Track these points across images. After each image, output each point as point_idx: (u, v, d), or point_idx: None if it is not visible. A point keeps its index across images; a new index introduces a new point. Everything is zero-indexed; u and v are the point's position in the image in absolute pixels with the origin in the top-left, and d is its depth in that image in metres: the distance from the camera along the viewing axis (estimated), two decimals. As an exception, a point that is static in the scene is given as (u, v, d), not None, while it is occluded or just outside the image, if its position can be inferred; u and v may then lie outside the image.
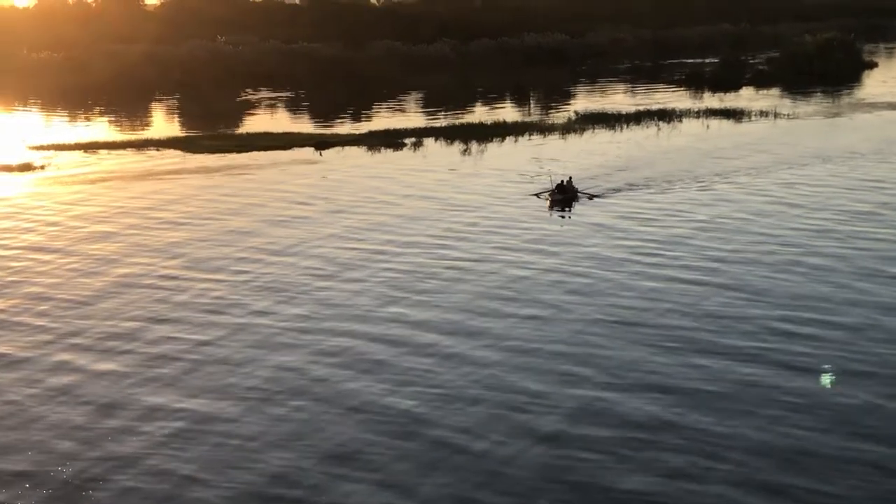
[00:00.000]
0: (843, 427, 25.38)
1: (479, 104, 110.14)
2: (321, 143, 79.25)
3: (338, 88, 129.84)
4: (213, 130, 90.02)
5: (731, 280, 38.08)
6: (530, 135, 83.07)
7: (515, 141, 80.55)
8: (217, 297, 37.25)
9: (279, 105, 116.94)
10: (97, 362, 30.84)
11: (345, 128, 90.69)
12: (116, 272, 40.85)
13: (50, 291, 38.30)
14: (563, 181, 53.65)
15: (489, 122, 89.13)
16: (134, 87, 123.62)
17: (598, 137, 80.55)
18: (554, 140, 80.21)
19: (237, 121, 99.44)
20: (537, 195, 54.24)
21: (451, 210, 52.21)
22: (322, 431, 25.81)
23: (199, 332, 33.45)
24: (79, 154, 74.64)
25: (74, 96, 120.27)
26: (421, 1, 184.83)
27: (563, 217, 50.78)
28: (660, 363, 29.80)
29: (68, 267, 41.67)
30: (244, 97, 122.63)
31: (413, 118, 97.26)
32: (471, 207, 52.68)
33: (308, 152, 76.18)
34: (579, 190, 54.03)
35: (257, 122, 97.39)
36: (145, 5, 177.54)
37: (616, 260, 41.31)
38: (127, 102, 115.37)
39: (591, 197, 53.35)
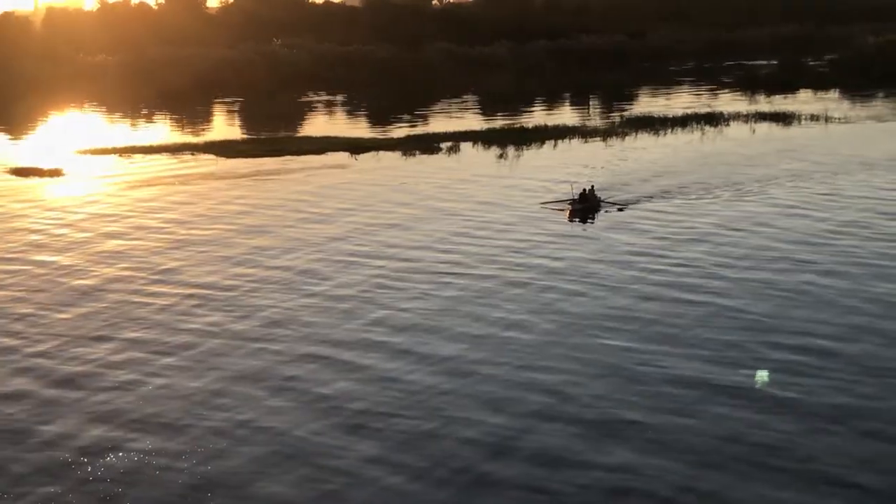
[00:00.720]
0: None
1: (530, 107, 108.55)
2: (357, 147, 78.45)
3: (392, 91, 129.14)
4: (258, 134, 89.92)
5: (751, 300, 36.20)
6: (570, 139, 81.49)
7: (554, 145, 78.98)
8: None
9: (333, 108, 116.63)
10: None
11: (397, 131, 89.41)
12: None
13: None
14: (584, 189, 51.39)
15: (530, 126, 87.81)
16: (189, 91, 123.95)
17: (639, 142, 78.57)
18: (593, 145, 78.59)
19: (285, 124, 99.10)
20: (545, 204, 52.19)
21: (450, 218, 50.78)
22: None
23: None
24: (113, 158, 74.75)
25: (127, 100, 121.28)
26: (480, 2, 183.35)
27: (579, 227, 48.94)
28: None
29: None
30: (298, 100, 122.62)
31: (463, 121, 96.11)
32: (473, 216, 51.03)
33: (343, 157, 75.40)
34: (603, 199, 51.87)
35: (307, 126, 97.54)
36: (207, 9, 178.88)
37: (623, 273, 39.72)
38: (180, 106, 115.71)
39: (621, 208, 51.00)
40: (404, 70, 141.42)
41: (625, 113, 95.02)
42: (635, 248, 43.29)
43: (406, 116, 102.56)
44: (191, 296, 37.94)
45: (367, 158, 74.61)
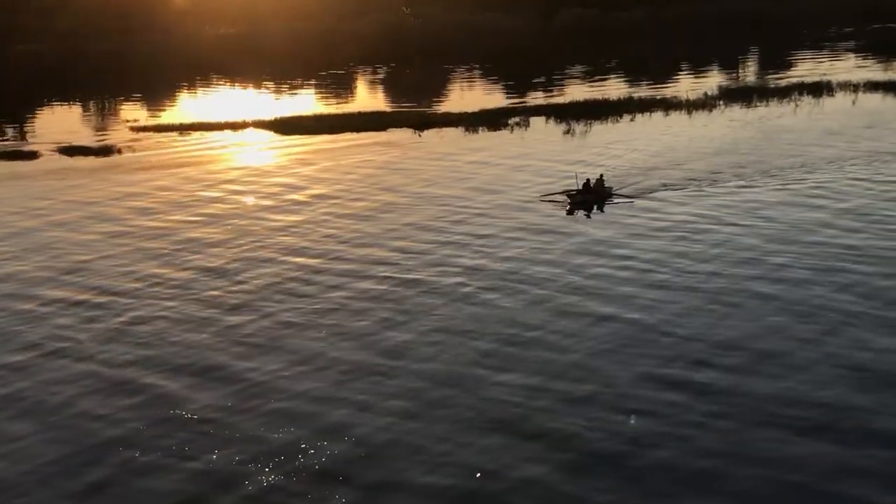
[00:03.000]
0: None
1: (645, 76, 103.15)
2: (421, 123, 75.26)
3: (516, 62, 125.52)
4: (352, 108, 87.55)
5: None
6: (651, 112, 76.15)
7: (632, 119, 73.78)
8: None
9: (450, 80, 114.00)
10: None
11: (492, 102, 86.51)
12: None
13: None
14: (588, 179, 45.53)
15: (613, 99, 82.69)
16: (303, 64, 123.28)
17: (721, 116, 72.71)
18: (673, 119, 73.10)
19: (382, 98, 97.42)
20: (545, 196, 46.54)
21: (446, 207, 46.74)
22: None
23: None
24: (173, 135, 73.83)
25: (243, 71, 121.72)
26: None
27: (570, 220, 42.84)
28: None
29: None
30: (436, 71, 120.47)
31: (559, 92, 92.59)
32: (451, 203, 46.78)
33: (407, 133, 72.41)
34: (614, 190, 46.20)
35: (404, 98, 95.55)
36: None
37: (611, 276, 35.00)
38: (291, 76, 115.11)
39: (630, 199, 45.16)
40: (532, 39, 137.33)
41: (725, 83, 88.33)
42: (608, 246, 38.12)
43: (519, 88, 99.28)
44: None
45: (429, 135, 71.38)
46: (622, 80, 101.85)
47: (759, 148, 57.57)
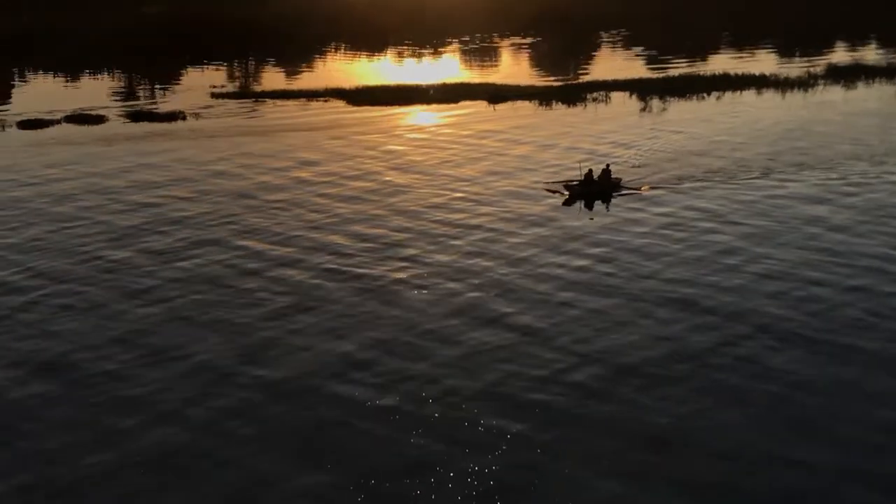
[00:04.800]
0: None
1: (770, 47, 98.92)
2: (495, 96, 72.84)
3: (664, 29, 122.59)
4: (434, 80, 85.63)
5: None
6: (743, 90, 72.24)
7: (719, 97, 69.89)
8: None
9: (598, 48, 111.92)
10: None
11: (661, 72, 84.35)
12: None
13: None
14: (591, 171, 41.96)
15: (708, 75, 78.83)
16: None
17: (814, 96, 68.41)
18: (763, 97, 69.17)
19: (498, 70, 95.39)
20: (548, 184, 43.26)
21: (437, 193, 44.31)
22: None
23: None
24: (233, 105, 73.38)
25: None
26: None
27: (561, 213, 39.06)
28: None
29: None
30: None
31: (675, 64, 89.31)
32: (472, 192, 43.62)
33: (480, 105, 70.30)
34: (622, 182, 42.59)
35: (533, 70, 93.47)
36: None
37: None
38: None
39: (637, 191, 41.68)
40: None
41: (838, 61, 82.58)
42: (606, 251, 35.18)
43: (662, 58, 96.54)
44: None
45: (504, 108, 68.96)
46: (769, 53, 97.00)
47: (828, 135, 53.21)
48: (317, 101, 74.29)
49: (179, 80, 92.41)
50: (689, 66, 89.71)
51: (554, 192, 41.89)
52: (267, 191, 43.97)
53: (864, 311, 26.96)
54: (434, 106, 70.22)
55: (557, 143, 54.02)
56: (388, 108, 69.83)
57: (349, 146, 54.86)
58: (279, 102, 73.71)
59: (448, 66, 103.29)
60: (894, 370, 23.37)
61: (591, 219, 38.15)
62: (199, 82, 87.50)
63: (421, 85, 79.50)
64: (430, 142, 55.65)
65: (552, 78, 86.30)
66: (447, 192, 42.61)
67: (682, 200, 39.95)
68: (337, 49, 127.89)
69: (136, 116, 67.38)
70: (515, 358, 24.57)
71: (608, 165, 42.95)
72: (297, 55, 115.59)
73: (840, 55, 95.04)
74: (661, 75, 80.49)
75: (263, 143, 56.20)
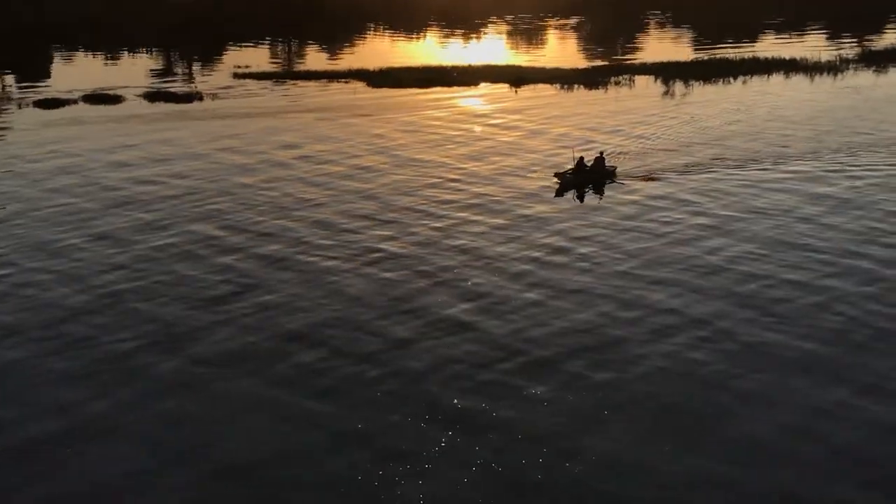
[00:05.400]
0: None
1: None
2: (518, 79, 71.81)
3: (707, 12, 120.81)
4: (449, 62, 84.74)
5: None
6: (771, 75, 70.94)
7: (745, 82, 68.43)
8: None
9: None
10: None
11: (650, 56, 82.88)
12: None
13: None
14: (582, 158, 40.58)
15: (735, 59, 77.67)
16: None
17: (842, 81, 66.28)
18: (790, 82, 67.69)
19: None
20: (536, 173, 42.05)
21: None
22: None
23: None
24: (254, 85, 73.09)
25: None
26: None
27: (545, 204, 37.43)
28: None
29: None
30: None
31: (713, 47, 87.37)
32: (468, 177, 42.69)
33: (503, 89, 69.36)
34: (616, 170, 41.25)
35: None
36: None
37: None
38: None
39: (632, 180, 40.35)
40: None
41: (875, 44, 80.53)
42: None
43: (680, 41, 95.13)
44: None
45: (525, 91, 67.95)
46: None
47: (843, 122, 51.68)
48: (338, 82, 73.79)
49: (219, 59, 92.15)
50: (734, 48, 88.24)
51: (552, 180, 40.40)
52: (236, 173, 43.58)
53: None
54: (454, 89, 69.29)
55: (562, 127, 52.92)
56: (405, 90, 68.94)
57: (337, 129, 54.09)
58: (300, 83, 73.29)
59: (481, 48, 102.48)
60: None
61: (579, 208, 37.06)
62: (236, 61, 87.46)
63: (445, 67, 78.50)
64: (420, 126, 54.59)
65: (587, 60, 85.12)
66: (433, 179, 41.51)
67: (681, 190, 38.67)
68: (376, 30, 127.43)
69: (153, 97, 67.30)
70: (462, 343, 23.96)
71: (602, 153, 41.63)
72: (337, 36, 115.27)
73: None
74: (691, 59, 78.74)
75: (254, 125, 55.75)
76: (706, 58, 79.45)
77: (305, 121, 57.33)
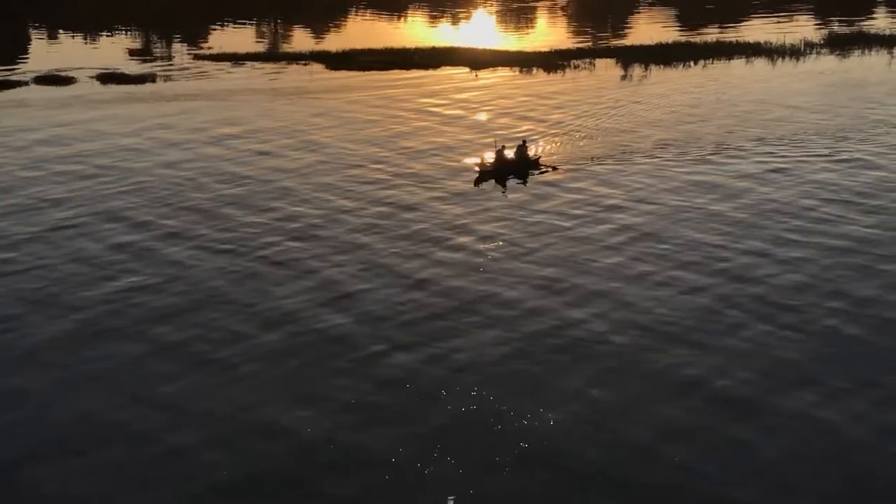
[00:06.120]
0: None
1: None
2: (476, 62, 71.06)
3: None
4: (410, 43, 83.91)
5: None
6: (729, 58, 70.46)
7: (705, 66, 67.68)
8: None
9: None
10: None
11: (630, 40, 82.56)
12: None
13: None
14: (503, 147, 39.72)
15: (701, 42, 76.83)
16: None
17: (809, 65, 65.74)
18: (757, 66, 66.68)
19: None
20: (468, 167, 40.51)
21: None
22: None
23: None
24: (210, 66, 72.22)
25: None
26: None
27: (463, 196, 36.43)
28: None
29: None
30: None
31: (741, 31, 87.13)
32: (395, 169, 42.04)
33: (462, 72, 68.62)
34: (540, 159, 40.22)
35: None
36: None
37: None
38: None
39: (554, 168, 39.56)
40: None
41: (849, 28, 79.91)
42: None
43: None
44: None
45: (485, 74, 67.28)
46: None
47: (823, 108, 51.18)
48: (297, 63, 73.11)
49: (203, 41, 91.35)
50: (720, 31, 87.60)
51: (472, 169, 39.44)
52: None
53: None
54: (413, 72, 68.55)
55: (505, 112, 52.40)
56: (363, 73, 68.31)
57: (262, 111, 53.96)
58: (258, 65, 72.61)
59: (459, 32, 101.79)
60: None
61: (498, 198, 36.37)
62: (219, 42, 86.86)
63: (408, 49, 77.68)
64: (376, 108, 54.28)
65: (571, 43, 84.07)
66: (352, 169, 41.07)
67: (600, 178, 38.13)
68: (357, 12, 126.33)
69: (106, 79, 66.53)
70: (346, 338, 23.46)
71: (524, 141, 40.96)
72: (322, 18, 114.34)
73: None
74: (656, 42, 77.70)
75: (180, 107, 55.27)
76: (672, 42, 78.41)
77: (235, 102, 56.79)
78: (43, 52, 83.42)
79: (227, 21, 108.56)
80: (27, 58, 79.57)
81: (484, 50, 77.04)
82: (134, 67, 71.52)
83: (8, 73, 69.30)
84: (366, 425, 19.48)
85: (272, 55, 76.94)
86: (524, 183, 38.19)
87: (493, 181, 38.35)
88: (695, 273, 27.41)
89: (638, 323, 24.12)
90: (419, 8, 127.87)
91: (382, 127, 49.19)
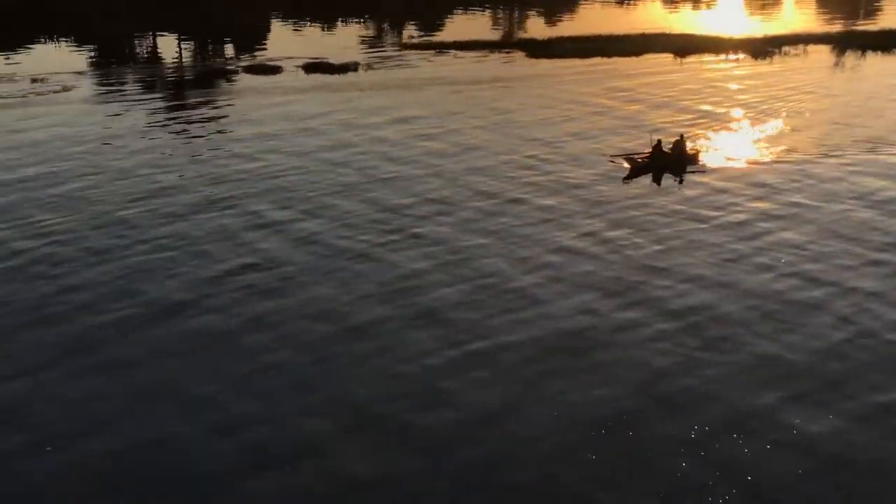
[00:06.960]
0: None
1: None
2: (682, 49, 68.78)
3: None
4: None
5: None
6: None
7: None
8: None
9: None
10: None
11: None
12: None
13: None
14: (660, 142, 37.50)
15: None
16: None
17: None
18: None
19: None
20: (614, 157, 38.49)
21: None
22: None
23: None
24: (414, 56, 72.81)
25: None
26: None
27: (614, 190, 34.75)
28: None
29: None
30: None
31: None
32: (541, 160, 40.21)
33: (666, 58, 66.74)
34: (700, 156, 38.07)
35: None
36: None
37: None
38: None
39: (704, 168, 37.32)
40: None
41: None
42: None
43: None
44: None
45: (691, 62, 65.19)
46: None
47: None
48: (499, 52, 72.98)
49: (440, 26, 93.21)
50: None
51: (624, 164, 37.74)
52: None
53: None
54: (612, 59, 67.12)
55: (668, 103, 50.49)
56: (562, 61, 67.41)
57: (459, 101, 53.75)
58: (459, 54, 72.86)
59: (697, 17, 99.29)
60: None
61: (651, 193, 34.86)
62: (450, 28, 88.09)
63: (615, 35, 76.11)
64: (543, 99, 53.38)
65: (821, 26, 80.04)
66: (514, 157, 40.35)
67: (771, 178, 35.85)
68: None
69: (311, 68, 68.20)
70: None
71: (682, 136, 38.70)
72: (557, 4, 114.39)
73: None
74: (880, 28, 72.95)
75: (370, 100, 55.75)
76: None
77: (419, 93, 57.03)
78: (277, 42, 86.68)
79: (462, 8, 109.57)
80: (265, 45, 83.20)
81: (693, 36, 74.42)
82: (344, 56, 72.93)
83: (225, 62, 72.55)
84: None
85: (475, 44, 76.78)
86: (679, 180, 36.05)
87: (648, 177, 36.54)
88: None
89: None
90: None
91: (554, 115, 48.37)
